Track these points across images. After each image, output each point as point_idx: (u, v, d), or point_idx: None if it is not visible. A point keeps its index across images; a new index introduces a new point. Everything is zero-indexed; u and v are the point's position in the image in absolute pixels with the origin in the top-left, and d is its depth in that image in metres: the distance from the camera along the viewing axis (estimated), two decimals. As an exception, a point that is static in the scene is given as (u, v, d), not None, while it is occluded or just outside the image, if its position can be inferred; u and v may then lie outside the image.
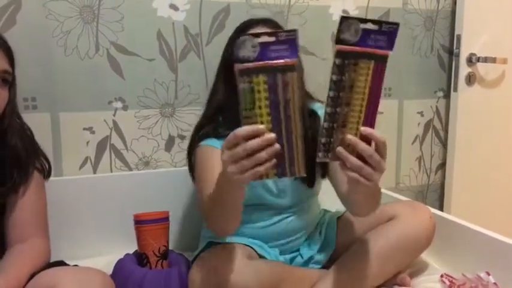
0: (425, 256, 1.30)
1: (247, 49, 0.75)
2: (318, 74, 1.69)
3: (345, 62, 0.78)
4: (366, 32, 0.77)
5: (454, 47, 1.76)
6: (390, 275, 1.18)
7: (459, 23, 1.74)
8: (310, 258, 1.26)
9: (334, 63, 0.78)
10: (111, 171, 1.47)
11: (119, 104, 1.45)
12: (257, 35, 0.76)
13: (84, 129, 1.43)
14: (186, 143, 1.50)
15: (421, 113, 1.85)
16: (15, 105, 1.08)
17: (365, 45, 0.78)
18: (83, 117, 1.41)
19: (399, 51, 1.77)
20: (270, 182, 1.19)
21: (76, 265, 1.03)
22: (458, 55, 1.74)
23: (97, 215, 1.40)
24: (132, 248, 1.23)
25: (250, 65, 0.75)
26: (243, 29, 1.20)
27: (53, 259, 1.07)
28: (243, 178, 0.79)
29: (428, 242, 1.19)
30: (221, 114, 1.21)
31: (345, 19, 0.77)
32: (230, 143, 0.78)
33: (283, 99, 0.77)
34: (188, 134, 1.51)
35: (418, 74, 1.82)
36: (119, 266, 1.18)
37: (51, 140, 1.38)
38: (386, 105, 1.77)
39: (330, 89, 0.79)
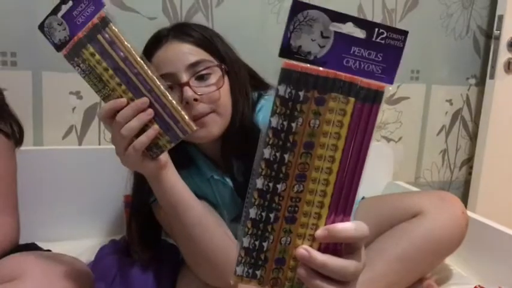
0: (448, 260, 1.18)
1: (57, 30, 0.69)
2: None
3: (297, 94, 0.44)
4: (342, 39, 0.45)
5: (494, 29, 1.63)
6: (414, 280, 1.06)
7: (502, 2, 1.60)
8: None
9: (277, 94, 0.45)
10: (99, 144, 1.37)
11: None
12: (55, 10, 0.68)
13: (71, 93, 1.31)
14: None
15: (450, 101, 1.73)
16: None
17: (340, 67, 0.45)
18: (70, 78, 1.27)
19: (430, 30, 1.64)
20: None
21: (49, 250, 0.95)
22: (498, 38, 1.61)
23: (80, 193, 1.28)
24: (119, 233, 1.16)
25: (69, 45, 0.69)
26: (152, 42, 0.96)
27: (26, 240, 0.99)
28: (130, 156, 0.72)
29: (460, 242, 1.06)
30: None
31: (299, 5, 0.44)
32: (102, 118, 0.72)
33: (121, 59, 0.69)
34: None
35: (449, 57, 1.69)
36: (102, 253, 1.08)
37: (31, 103, 1.28)
38: (412, 89, 1.65)
39: (265, 146, 0.45)
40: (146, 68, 0.70)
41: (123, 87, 0.70)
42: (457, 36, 1.67)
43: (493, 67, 1.62)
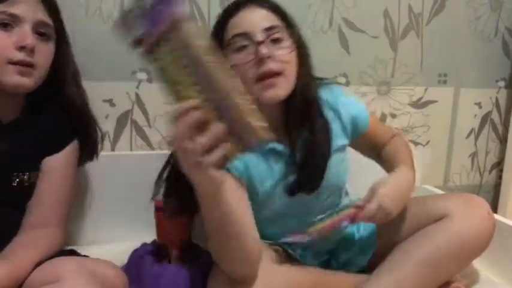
0: (476, 263, 1.16)
1: (135, 27, 0.65)
2: (368, 52, 1.54)
3: None
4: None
5: None
6: (441, 282, 1.04)
7: None
8: (347, 261, 1.14)
9: None
10: (131, 150, 1.39)
11: (143, 75, 1.35)
12: (134, 6, 0.65)
13: (104, 101, 1.34)
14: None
15: (479, 104, 1.70)
16: (73, 66, 1.03)
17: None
18: (103, 87, 1.32)
19: (458, 33, 1.62)
20: None
21: (86, 256, 0.96)
22: None
23: (113, 197, 1.31)
24: (150, 236, 1.16)
25: (147, 42, 0.65)
26: (231, 7, 1.01)
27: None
28: (196, 170, 0.68)
29: (487, 244, 1.04)
30: None
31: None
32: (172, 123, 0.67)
33: (197, 58, 0.64)
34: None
35: (478, 60, 1.67)
36: (134, 257, 1.10)
37: None
38: (439, 93, 1.64)
39: None
40: (220, 70, 0.65)
41: (198, 87, 0.65)
42: (486, 38, 1.65)
43: (523, 70, 1.60)
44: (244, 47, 0.93)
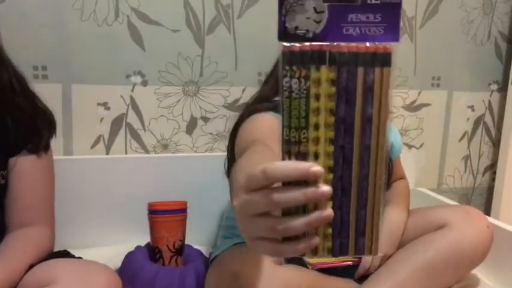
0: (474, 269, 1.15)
1: (306, 15, 0.43)
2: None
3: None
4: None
5: None
6: None
7: None
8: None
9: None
10: (126, 153, 1.39)
11: (138, 79, 1.35)
12: None
13: (99, 104, 1.33)
14: (209, 126, 1.40)
15: (472, 107, 1.71)
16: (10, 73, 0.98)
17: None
18: (98, 90, 1.32)
19: (451, 37, 1.63)
20: None
21: (80, 257, 0.97)
22: None
23: (107, 200, 1.31)
24: (144, 239, 1.15)
25: (306, 45, 0.43)
26: None
27: (56, 246, 1.01)
28: (261, 249, 0.45)
29: (484, 256, 1.06)
30: None
31: None
32: (253, 182, 0.43)
33: (363, 116, 0.44)
34: (212, 116, 1.40)
35: (471, 63, 1.67)
36: (128, 260, 1.09)
37: (61, 114, 1.29)
38: (433, 96, 1.64)
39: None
40: (384, 149, 0.44)
41: (332, 148, 0.44)
42: (479, 42, 1.65)
43: (515, 73, 1.60)
44: None
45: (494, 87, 1.71)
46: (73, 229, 1.23)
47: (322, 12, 0.43)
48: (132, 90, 1.35)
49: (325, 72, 0.43)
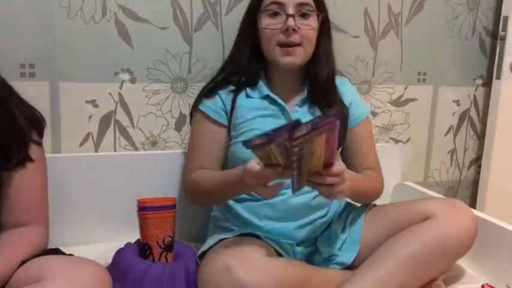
0: (459, 260, 1.18)
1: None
2: (349, 52, 1.56)
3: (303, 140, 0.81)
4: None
5: (500, 30, 1.63)
6: (424, 281, 1.07)
7: (508, 3, 1.60)
8: (331, 257, 1.16)
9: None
10: (115, 150, 1.39)
11: (126, 76, 1.35)
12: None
13: (87, 102, 1.33)
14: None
15: (457, 102, 1.73)
16: None
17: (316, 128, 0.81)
18: (86, 88, 1.32)
19: (436, 33, 1.65)
20: None
21: (71, 254, 0.97)
22: (504, 39, 1.61)
23: (97, 198, 1.31)
24: (134, 236, 1.16)
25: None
26: None
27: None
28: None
29: (469, 247, 1.09)
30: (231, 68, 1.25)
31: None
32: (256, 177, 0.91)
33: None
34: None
35: (456, 59, 1.69)
36: (118, 256, 1.10)
37: (49, 112, 1.29)
38: (419, 91, 1.67)
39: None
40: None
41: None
42: (463, 37, 1.68)
43: (499, 67, 1.63)
44: (276, 14, 1.12)
45: (479, 81, 1.74)
46: (63, 227, 1.23)
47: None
48: (121, 88, 1.35)
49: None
